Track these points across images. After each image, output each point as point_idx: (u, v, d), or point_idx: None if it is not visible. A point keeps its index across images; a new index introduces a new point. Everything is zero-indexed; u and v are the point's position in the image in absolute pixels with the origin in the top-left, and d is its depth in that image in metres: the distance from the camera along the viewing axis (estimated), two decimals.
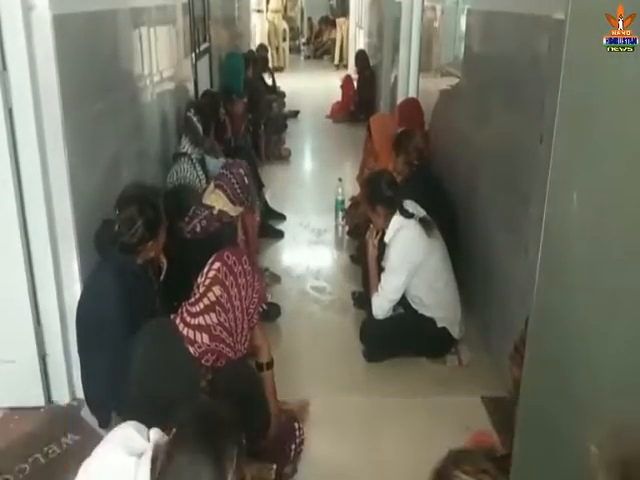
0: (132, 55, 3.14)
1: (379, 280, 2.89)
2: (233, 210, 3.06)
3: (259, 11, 10.89)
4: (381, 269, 2.94)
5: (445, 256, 2.92)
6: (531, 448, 1.76)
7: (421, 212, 2.92)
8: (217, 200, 3.05)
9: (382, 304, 2.85)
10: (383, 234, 2.92)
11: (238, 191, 3.06)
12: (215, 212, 3.04)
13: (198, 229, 3.05)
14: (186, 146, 3.39)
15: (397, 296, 2.84)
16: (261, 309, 2.05)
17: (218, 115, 4.60)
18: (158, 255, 2.42)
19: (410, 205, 2.91)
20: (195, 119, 3.45)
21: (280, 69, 12.92)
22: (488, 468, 1.15)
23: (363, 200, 3.01)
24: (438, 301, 2.89)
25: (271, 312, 3.23)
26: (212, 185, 3.15)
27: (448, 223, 3.25)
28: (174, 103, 4.09)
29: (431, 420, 2.52)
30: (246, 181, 3.09)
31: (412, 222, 2.84)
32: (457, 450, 1.40)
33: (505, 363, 2.53)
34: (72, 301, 2.35)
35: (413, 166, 3.49)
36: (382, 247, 2.96)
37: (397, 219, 2.85)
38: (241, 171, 3.12)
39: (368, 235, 3.02)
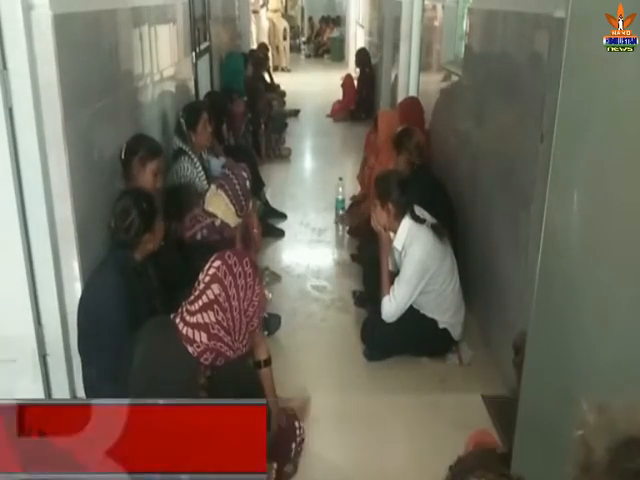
0: (132, 54, 3.14)
1: (387, 278, 2.88)
2: (233, 219, 3.05)
3: (255, 12, 10.85)
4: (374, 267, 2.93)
5: (453, 260, 2.92)
6: (531, 445, 1.76)
7: (429, 217, 2.91)
8: (219, 205, 3.03)
9: (394, 312, 2.84)
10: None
11: (239, 192, 3.05)
12: (217, 223, 3.02)
13: (199, 237, 3.03)
14: (176, 139, 3.47)
15: (409, 303, 2.84)
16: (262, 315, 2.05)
17: (221, 115, 4.63)
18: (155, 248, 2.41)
19: (418, 210, 2.89)
20: (180, 114, 3.56)
21: (287, 70, 12.91)
22: (508, 473, 1.15)
23: (373, 197, 2.97)
24: (444, 304, 2.89)
25: (271, 323, 3.14)
26: (213, 187, 3.14)
27: (448, 223, 3.24)
28: (174, 102, 4.09)
29: (432, 419, 2.53)
30: (248, 185, 3.09)
31: (424, 229, 2.82)
32: (469, 454, 1.39)
33: (505, 362, 2.53)
34: (73, 301, 2.35)
35: (414, 165, 3.48)
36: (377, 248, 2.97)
37: (408, 223, 2.83)
38: (244, 174, 3.12)
39: (379, 229, 2.92)
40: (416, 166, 3.48)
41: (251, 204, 3.23)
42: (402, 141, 3.52)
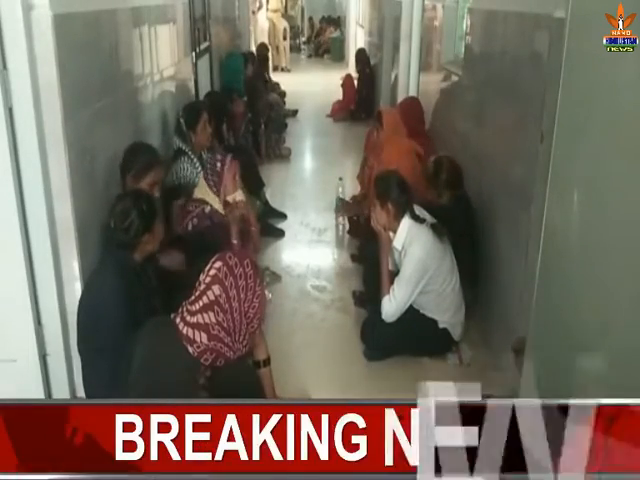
0: (132, 54, 3.14)
1: (387, 278, 2.88)
2: (214, 199, 3.11)
3: (252, 13, 10.87)
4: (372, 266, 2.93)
5: (453, 260, 2.91)
6: None
7: (429, 217, 2.90)
8: (200, 188, 3.17)
9: (394, 312, 2.84)
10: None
11: (209, 171, 3.18)
12: (207, 210, 3.06)
13: (190, 227, 3.06)
14: (175, 139, 3.49)
15: (409, 303, 2.84)
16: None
17: (221, 115, 4.63)
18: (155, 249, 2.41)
19: (418, 210, 2.89)
20: (180, 114, 3.58)
21: (287, 70, 12.92)
22: None
23: (373, 197, 2.97)
24: (444, 304, 2.89)
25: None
26: None
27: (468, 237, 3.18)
28: (174, 102, 4.09)
29: None
30: (219, 166, 3.14)
31: (424, 228, 2.82)
32: None
33: (505, 362, 2.53)
34: (72, 300, 2.35)
35: (455, 195, 3.25)
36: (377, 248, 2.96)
37: (408, 222, 2.83)
38: (217, 156, 3.23)
39: (378, 229, 2.91)
40: (458, 195, 3.26)
41: (232, 188, 3.23)
42: (439, 175, 3.25)
